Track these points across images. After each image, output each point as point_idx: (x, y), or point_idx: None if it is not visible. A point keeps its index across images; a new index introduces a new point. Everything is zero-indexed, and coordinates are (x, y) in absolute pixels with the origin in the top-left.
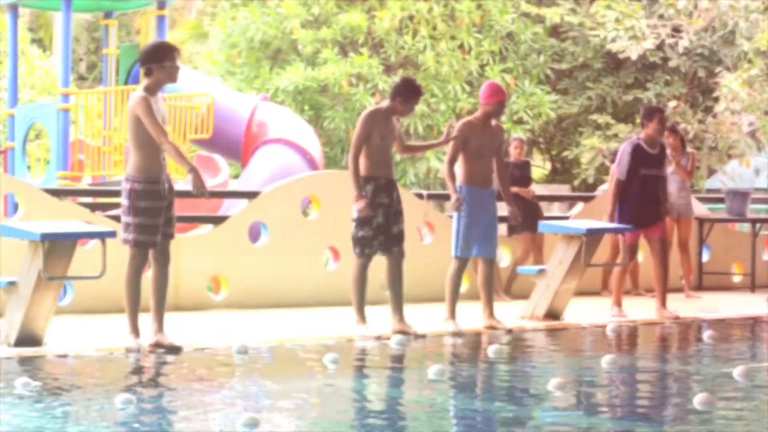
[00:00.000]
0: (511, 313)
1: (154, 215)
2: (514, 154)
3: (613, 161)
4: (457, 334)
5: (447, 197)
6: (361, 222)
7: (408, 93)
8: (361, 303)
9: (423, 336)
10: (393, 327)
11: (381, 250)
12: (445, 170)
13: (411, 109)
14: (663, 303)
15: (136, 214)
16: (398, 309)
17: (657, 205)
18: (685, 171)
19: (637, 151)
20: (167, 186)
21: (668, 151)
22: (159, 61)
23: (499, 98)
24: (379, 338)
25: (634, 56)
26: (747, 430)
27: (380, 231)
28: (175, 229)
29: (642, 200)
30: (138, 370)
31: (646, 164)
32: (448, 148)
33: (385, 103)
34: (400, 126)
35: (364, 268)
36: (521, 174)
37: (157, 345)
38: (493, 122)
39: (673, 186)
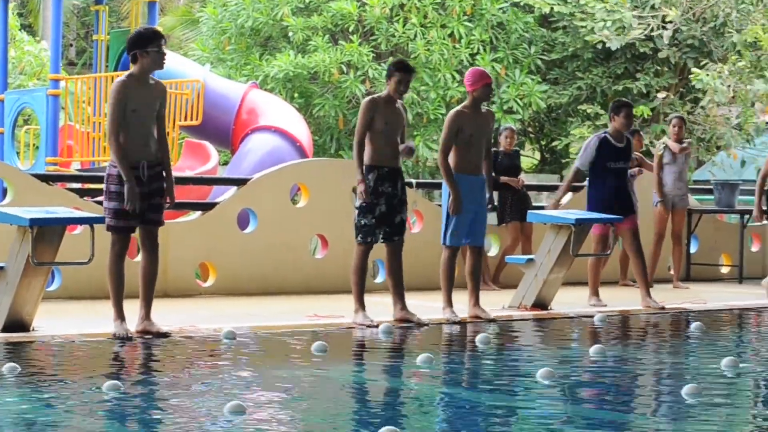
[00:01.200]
0: (498, 302)
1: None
2: (504, 143)
3: None
4: (454, 322)
5: (436, 186)
6: (364, 210)
7: (390, 70)
8: (360, 291)
9: (426, 324)
10: (395, 315)
11: (383, 239)
12: (441, 163)
13: (399, 87)
14: (647, 293)
15: (110, 198)
16: (399, 297)
17: (626, 198)
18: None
19: (603, 145)
20: (147, 172)
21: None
22: (143, 47)
23: (484, 82)
24: (376, 327)
25: (614, 47)
26: (733, 421)
27: (383, 220)
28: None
29: (611, 193)
30: (125, 356)
31: (613, 157)
32: (440, 137)
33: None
34: (404, 122)
35: (364, 255)
36: (511, 163)
37: (145, 332)
38: (484, 108)
39: (669, 177)
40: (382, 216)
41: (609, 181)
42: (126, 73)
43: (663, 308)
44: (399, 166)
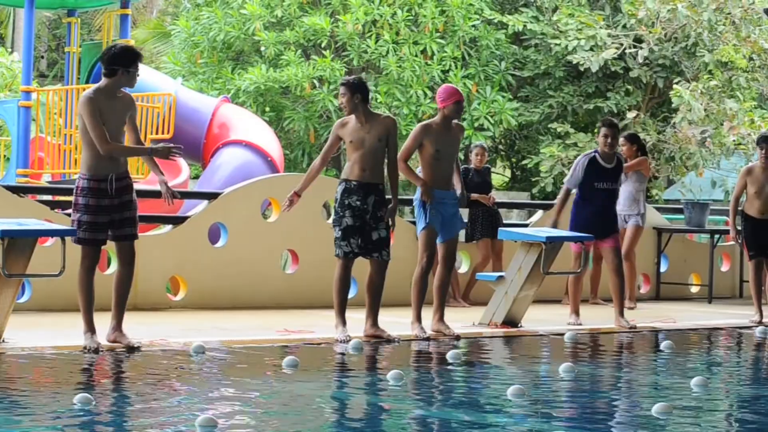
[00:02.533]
0: (469, 319)
1: (96, 213)
2: (475, 160)
3: None
4: (423, 338)
5: (406, 202)
6: (333, 222)
7: None
8: (340, 306)
9: (396, 340)
10: (365, 331)
11: (362, 255)
12: (401, 167)
13: (343, 104)
14: (621, 312)
15: (78, 210)
16: (372, 313)
17: (610, 218)
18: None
19: (591, 165)
20: (116, 185)
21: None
22: (127, 65)
23: (455, 99)
24: (346, 342)
25: (594, 68)
26: None
27: (350, 233)
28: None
29: (595, 213)
30: (96, 369)
31: (600, 177)
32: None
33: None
34: (387, 134)
35: (342, 269)
36: (482, 180)
37: (115, 342)
38: (454, 122)
39: (620, 196)
40: (348, 229)
41: (596, 200)
42: (97, 85)
43: (635, 327)
44: (373, 182)
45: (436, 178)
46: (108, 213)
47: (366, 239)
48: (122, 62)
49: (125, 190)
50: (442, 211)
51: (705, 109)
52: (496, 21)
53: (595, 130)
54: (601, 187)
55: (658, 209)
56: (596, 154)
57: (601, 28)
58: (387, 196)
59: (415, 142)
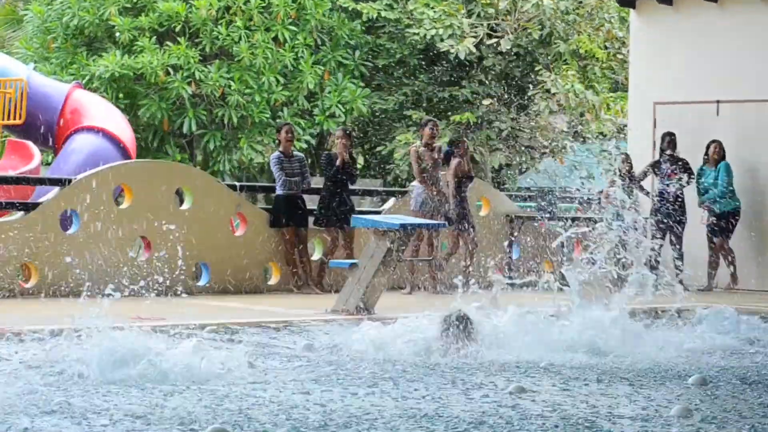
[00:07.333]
0: (321, 305)
1: None
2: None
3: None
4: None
5: (262, 189)
6: None
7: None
8: None
9: None
10: None
11: None
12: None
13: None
14: None
15: None
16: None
17: None
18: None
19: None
20: None
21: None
22: None
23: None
24: None
25: (462, 55)
26: None
27: None
28: None
29: None
30: None
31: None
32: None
33: None
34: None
35: None
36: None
37: None
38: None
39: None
40: None
41: None
42: None
43: None
44: None
45: None
46: None
47: None
48: None
49: None
50: None
51: (564, 100)
52: (350, 9)
53: (451, 116)
54: None
55: (509, 196)
56: None
57: (462, 16)
58: None
59: None
